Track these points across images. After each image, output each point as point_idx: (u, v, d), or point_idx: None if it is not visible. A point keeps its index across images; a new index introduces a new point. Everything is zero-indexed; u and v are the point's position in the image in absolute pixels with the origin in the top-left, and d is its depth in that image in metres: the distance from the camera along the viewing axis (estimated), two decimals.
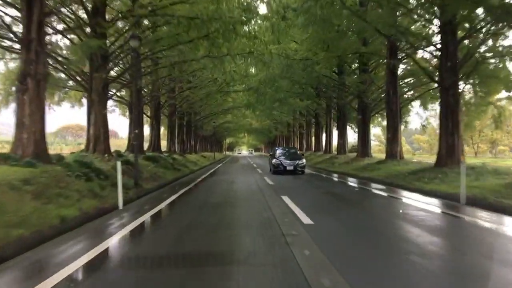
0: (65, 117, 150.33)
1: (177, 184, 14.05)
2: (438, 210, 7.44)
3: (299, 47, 19.96)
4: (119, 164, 8.48)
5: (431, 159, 28.77)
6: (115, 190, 9.82)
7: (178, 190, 11.66)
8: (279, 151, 20.00)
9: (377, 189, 11.65)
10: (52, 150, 31.09)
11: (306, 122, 42.08)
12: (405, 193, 10.29)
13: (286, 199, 8.76)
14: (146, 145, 25.37)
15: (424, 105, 23.94)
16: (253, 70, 31.12)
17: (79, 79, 15.54)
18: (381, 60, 20.91)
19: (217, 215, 6.93)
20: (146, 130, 29.82)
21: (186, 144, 37.46)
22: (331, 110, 31.98)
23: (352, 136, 49.80)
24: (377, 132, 51.26)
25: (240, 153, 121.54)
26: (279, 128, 62.80)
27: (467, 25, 13.32)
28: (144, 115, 25.32)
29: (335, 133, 34.03)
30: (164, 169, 17.51)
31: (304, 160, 18.88)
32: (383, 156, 28.67)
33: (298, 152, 22.04)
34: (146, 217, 6.97)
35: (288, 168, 17.85)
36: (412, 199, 8.92)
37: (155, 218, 7.07)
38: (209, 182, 15.11)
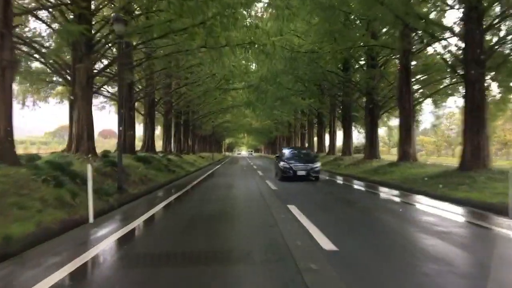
0: (66, 117, 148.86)
1: (169, 188, 12.60)
2: (493, 227, 5.92)
3: (303, 41, 18.48)
4: (89, 168, 7.01)
5: (441, 160, 27.43)
6: (93, 197, 8.43)
7: (167, 196, 10.21)
8: (288, 152, 16.70)
9: (397, 196, 10.19)
10: (47, 150, 29.08)
11: (308, 122, 40.66)
12: (432, 202, 8.80)
13: (294, 210, 7.30)
14: (141, 145, 23.95)
15: (436, 104, 22.51)
16: (253, 66, 29.74)
17: (63, 72, 14.06)
18: (391, 55, 19.46)
19: (209, 237, 5.38)
20: (140, 129, 28.43)
21: (184, 144, 36.00)
22: (335, 109, 30.53)
23: (355, 137, 48.23)
24: (380, 133, 49.78)
25: (239, 154, 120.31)
26: (280, 129, 61.34)
27: (494, 11, 11.90)
28: (138, 113, 23.88)
29: (339, 133, 32.67)
30: (156, 171, 16.06)
31: (319, 164, 15.68)
32: (389, 157, 27.31)
33: (311, 153, 18.91)
34: (113, 238, 5.25)
35: (299, 173, 14.57)
36: (448, 211, 7.42)
37: (125, 240, 5.31)
38: (205, 186, 13.66)
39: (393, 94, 21.03)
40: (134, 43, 15.14)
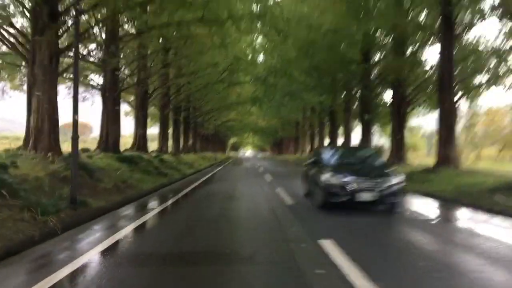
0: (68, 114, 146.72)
1: (151, 198, 9.71)
2: None
3: (323, 18, 15.50)
4: None
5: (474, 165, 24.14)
6: (20, 218, 5.71)
7: (139, 214, 7.29)
8: (334, 155, 9.16)
9: (486, 221, 7.25)
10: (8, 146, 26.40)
11: (319, 121, 37.67)
12: None
13: (333, 251, 4.35)
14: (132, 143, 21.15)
15: (471, 99, 19.44)
16: (261, 58, 26.86)
17: (21, 48, 11.24)
18: (426, 39, 16.47)
19: None
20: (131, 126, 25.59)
21: (184, 143, 33.20)
22: (351, 107, 27.53)
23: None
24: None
25: (244, 154, 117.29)
26: (287, 128, 58.37)
27: None
28: (129, 105, 21.08)
29: (354, 133, 29.66)
30: (143, 174, 13.23)
31: (399, 178, 7.71)
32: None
33: (378, 156, 10.08)
34: None
35: (363, 197, 7.25)
36: None
37: None
38: (199, 195, 10.80)
39: (424, 87, 18.06)
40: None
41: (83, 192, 7.85)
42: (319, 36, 15.09)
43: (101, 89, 15.24)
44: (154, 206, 8.36)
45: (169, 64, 20.65)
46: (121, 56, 15.75)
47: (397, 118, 18.08)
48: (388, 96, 24.19)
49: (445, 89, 13.57)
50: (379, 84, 20.67)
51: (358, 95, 24.41)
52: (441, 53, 13.71)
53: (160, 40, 16.90)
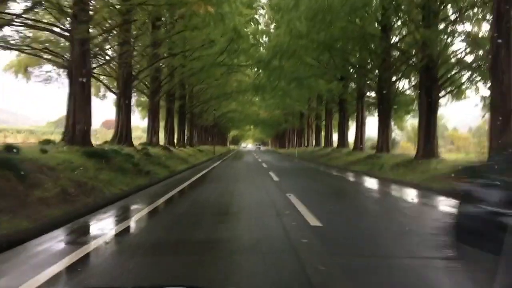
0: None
1: (107, 212, 6.76)
2: None
3: None
4: None
5: None
6: None
7: (68, 249, 4.36)
8: None
9: None
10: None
11: (327, 111, 34.69)
12: None
13: None
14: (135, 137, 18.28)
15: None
16: (264, 39, 23.85)
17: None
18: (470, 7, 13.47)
19: None
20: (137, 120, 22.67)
21: (179, 136, 30.33)
22: (364, 95, 24.59)
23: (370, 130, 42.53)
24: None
25: (245, 147, 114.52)
26: (290, 120, 55.43)
27: None
28: (110, 91, 18.20)
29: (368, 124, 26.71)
30: (116, 173, 10.37)
31: None
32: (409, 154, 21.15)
33: None
34: None
35: None
36: None
37: None
38: (185, 202, 7.97)
39: (460, 67, 15.12)
40: None
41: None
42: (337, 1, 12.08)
43: (67, 66, 12.32)
44: (103, 230, 5.47)
45: (159, 44, 17.74)
46: (94, 26, 12.81)
47: (427, 106, 15.15)
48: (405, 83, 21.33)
49: (499, 63, 10.62)
50: (401, 66, 17.71)
51: (373, 80, 21.44)
52: (494, 13, 10.75)
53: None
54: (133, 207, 7.28)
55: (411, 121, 39.44)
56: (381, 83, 19.36)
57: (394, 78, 19.83)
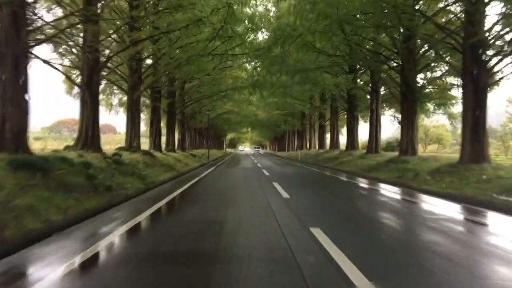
0: (64, 112, 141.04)
1: None
2: None
3: None
4: None
5: None
6: None
7: None
8: None
9: None
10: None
11: (332, 110, 31.39)
12: None
13: None
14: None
15: None
16: (262, 24, 20.53)
17: None
18: None
19: None
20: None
21: (169, 138, 26.99)
22: (378, 88, 21.36)
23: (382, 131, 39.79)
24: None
25: (242, 150, 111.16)
26: (290, 121, 52.17)
27: None
28: (71, 82, 14.81)
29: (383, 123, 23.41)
30: (55, 191, 7.06)
31: None
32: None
33: None
34: None
35: None
36: None
37: None
38: (132, 258, 4.39)
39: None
40: None
41: None
42: None
43: None
44: None
45: (135, 27, 14.49)
46: None
47: (474, 98, 11.89)
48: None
49: None
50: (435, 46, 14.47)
51: (393, 69, 18.19)
52: None
53: None
54: (29, 270, 3.90)
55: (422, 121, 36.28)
56: (405, 71, 16.09)
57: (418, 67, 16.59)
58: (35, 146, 15.25)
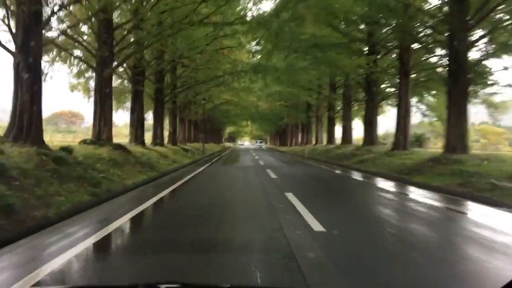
0: (61, 103, 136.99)
1: None
2: None
3: None
4: None
5: None
6: None
7: None
8: None
9: None
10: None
11: (345, 99, 27.47)
12: None
13: None
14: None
15: None
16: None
17: None
18: None
19: None
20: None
21: (156, 130, 23.16)
22: (409, 70, 17.48)
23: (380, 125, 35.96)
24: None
25: (242, 145, 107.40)
26: (293, 114, 48.24)
27: None
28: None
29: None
30: None
31: None
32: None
33: None
34: None
35: None
36: None
37: None
38: None
39: None
40: None
41: None
42: None
43: None
44: None
45: None
46: None
47: None
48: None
49: None
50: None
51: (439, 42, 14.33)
52: None
53: None
54: None
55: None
56: (455, 43, 12.21)
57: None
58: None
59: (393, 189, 9.78)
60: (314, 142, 38.67)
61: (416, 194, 8.78)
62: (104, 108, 13.77)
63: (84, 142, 13.32)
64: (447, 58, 12.91)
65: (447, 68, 13.03)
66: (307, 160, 24.16)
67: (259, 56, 25.18)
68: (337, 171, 15.41)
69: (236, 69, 24.37)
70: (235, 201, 7.53)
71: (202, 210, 6.36)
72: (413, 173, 11.81)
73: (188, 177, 11.97)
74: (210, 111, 45.26)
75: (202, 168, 15.99)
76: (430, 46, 15.08)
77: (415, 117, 28.47)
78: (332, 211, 6.52)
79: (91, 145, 12.83)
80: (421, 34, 14.84)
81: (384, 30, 18.02)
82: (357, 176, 13.46)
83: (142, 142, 18.38)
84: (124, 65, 18.04)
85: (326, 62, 18.71)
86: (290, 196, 7.68)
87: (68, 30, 13.18)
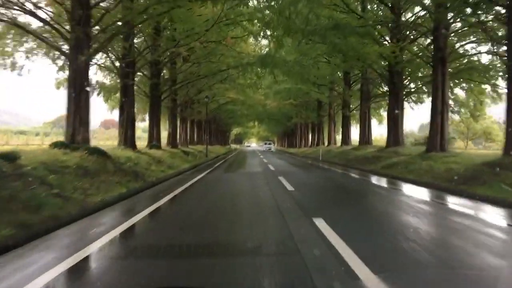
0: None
1: None
2: None
3: None
4: None
5: None
6: None
7: None
8: None
9: None
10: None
11: (362, 95, 24.68)
12: None
13: None
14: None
15: None
16: None
17: None
18: None
19: None
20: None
21: (152, 131, 20.63)
22: (446, 57, 14.71)
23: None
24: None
25: (249, 146, 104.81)
26: (303, 113, 45.55)
27: None
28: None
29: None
30: None
31: None
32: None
33: None
34: None
35: None
36: None
37: None
38: None
39: None
40: None
41: None
42: None
43: None
44: None
45: None
46: None
47: None
48: None
49: None
50: None
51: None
52: None
53: None
54: None
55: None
56: None
57: None
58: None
59: (474, 213, 6.77)
60: (326, 143, 35.91)
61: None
62: (79, 104, 11.22)
63: (54, 145, 10.78)
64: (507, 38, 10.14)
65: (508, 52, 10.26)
66: (322, 163, 21.45)
67: (267, 49, 22.67)
68: (366, 179, 12.70)
69: (241, 62, 21.75)
70: (236, 242, 4.70)
71: (179, 269, 3.64)
72: (471, 183, 9.07)
73: (180, 189, 9.36)
74: (215, 111, 42.76)
75: (201, 175, 13.38)
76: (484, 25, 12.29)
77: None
78: (404, 257, 3.82)
79: (62, 149, 10.30)
80: (467, 12, 12.07)
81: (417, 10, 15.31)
82: (396, 185, 10.72)
83: (132, 145, 15.86)
84: (112, 56, 15.59)
85: (347, 50, 15.98)
86: (321, 224, 5.02)
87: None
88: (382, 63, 19.03)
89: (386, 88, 27.28)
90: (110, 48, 15.39)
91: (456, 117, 25.68)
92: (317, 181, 12.18)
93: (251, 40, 23.29)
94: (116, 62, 16.72)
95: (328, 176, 13.84)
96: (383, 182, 11.66)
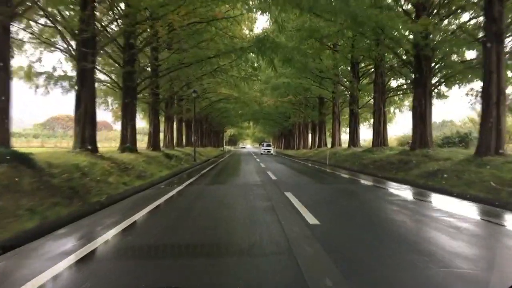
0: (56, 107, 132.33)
1: None
2: None
3: None
4: None
5: None
6: None
7: None
8: None
9: None
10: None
11: (376, 89, 21.08)
12: None
13: None
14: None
15: None
16: None
17: None
18: None
19: None
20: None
21: (125, 131, 16.89)
22: (502, 30, 11.24)
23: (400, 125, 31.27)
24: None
25: (244, 148, 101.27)
26: (302, 112, 42.01)
27: None
28: None
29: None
30: None
31: None
32: None
33: None
34: None
35: None
36: None
37: None
38: None
39: None
40: None
41: None
42: None
43: None
44: None
45: None
46: None
47: None
48: None
49: None
50: None
51: None
52: None
53: None
54: None
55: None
56: None
57: None
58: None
59: None
60: (329, 144, 32.39)
61: None
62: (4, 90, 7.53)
63: None
64: None
65: None
66: (332, 169, 17.83)
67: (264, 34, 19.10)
68: (423, 198, 8.80)
69: (234, 47, 18.14)
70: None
71: None
72: None
73: (125, 223, 5.67)
74: (206, 110, 39.11)
75: (179, 188, 9.71)
76: None
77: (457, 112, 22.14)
78: None
79: None
80: None
81: None
82: (463, 211, 7.11)
83: (93, 147, 12.14)
84: (59, 27, 11.90)
85: (367, 23, 12.38)
86: None
87: None
88: (406, 46, 15.54)
89: (401, 81, 23.93)
90: (58, 18, 11.70)
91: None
92: (340, 201, 8.47)
93: (246, 22, 19.73)
94: (72, 42, 13.03)
95: (352, 191, 10.20)
96: (452, 204, 7.90)
